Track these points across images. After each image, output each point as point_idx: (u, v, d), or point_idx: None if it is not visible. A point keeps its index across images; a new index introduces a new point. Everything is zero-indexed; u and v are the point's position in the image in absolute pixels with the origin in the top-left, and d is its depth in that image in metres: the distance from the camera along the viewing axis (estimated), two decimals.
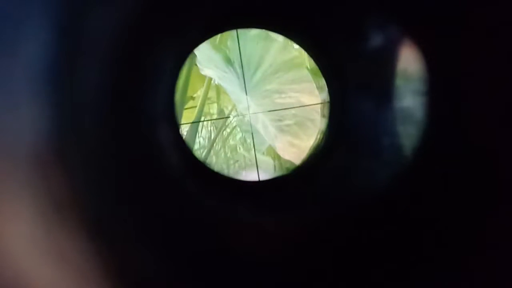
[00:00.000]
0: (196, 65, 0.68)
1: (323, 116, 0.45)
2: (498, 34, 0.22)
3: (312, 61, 0.45)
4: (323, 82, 0.39)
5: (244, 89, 0.68)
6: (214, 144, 0.72)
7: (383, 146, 0.33)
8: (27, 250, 0.17)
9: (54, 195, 0.18)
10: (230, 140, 0.74)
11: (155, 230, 0.23)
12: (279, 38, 0.61)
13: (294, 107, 0.64)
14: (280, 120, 0.67)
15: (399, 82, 0.32)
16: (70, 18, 0.18)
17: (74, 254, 0.18)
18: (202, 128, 0.75)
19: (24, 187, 0.17)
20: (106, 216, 0.20)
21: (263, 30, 0.39)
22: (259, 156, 0.62)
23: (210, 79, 0.72)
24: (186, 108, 0.74)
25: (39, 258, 0.17)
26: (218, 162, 0.64)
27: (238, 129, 0.72)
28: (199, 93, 0.73)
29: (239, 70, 0.68)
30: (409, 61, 0.28)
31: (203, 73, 0.68)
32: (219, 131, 0.74)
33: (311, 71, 0.64)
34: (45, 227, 0.18)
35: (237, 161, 0.63)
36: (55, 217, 0.18)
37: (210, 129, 0.76)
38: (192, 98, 0.74)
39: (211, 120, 0.73)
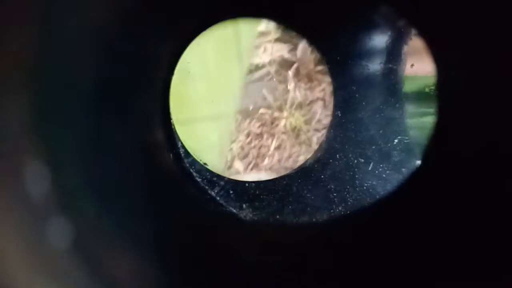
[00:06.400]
0: None
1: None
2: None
3: None
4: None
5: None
6: None
7: (392, 146, 0.32)
8: (17, 261, 0.16)
9: (43, 196, 0.17)
10: None
11: (151, 234, 0.23)
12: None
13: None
14: None
15: (407, 78, 0.31)
16: (57, 10, 0.18)
17: (66, 264, 0.17)
18: None
19: (12, 187, 0.17)
20: (97, 220, 0.19)
21: (264, 20, 0.38)
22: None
23: None
24: None
25: (29, 269, 0.16)
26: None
27: None
28: None
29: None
30: (417, 56, 0.28)
31: None
32: None
33: None
34: (35, 234, 0.17)
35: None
36: (45, 221, 0.17)
37: None
38: None
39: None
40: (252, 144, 0.56)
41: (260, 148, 0.56)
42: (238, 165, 0.56)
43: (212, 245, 0.25)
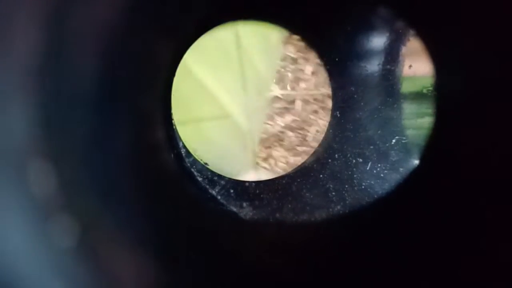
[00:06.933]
0: None
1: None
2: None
3: None
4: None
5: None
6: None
7: (390, 146, 0.33)
8: (19, 259, 0.16)
9: (46, 195, 0.18)
10: None
11: (152, 233, 0.23)
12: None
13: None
14: None
15: (405, 79, 0.31)
16: (57, 13, 0.18)
17: (68, 263, 0.17)
18: None
19: (15, 186, 0.17)
20: (99, 219, 0.19)
21: (263, 22, 0.38)
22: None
23: None
24: None
25: (31, 268, 0.17)
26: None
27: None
28: None
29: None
30: (415, 57, 0.28)
31: None
32: None
33: None
34: (37, 233, 0.17)
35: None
36: (47, 220, 0.17)
37: None
38: None
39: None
40: (288, 68, 0.57)
41: (296, 72, 0.57)
42: (274, 87, 0.56)
43: (213, 244, 0.25)
